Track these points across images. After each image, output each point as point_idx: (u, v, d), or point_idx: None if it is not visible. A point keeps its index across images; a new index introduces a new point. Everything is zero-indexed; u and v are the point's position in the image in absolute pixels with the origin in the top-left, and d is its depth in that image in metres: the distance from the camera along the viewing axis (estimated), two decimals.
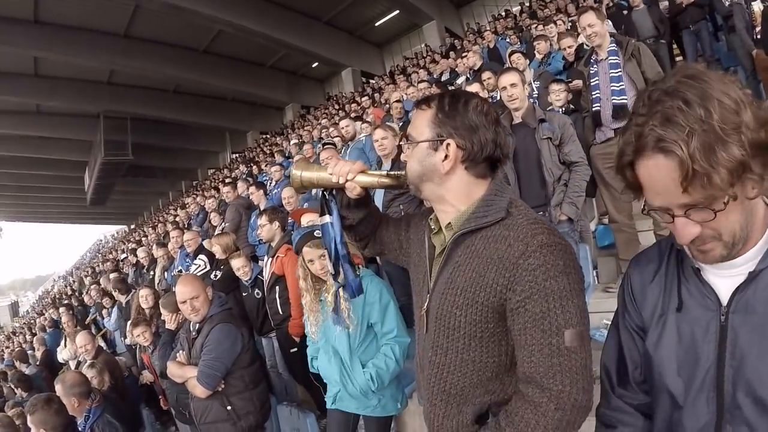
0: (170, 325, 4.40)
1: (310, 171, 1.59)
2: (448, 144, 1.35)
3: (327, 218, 1.60)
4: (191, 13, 16.60)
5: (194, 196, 18.54)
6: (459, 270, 1.33)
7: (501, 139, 1.38)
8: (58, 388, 3.73)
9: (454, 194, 1.40)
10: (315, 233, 2.94)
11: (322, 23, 20.77)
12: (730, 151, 0.84)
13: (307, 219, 4.11)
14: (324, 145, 8.44)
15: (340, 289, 2.74)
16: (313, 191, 5.89)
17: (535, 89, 6.62)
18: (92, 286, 11.92)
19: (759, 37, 6.19)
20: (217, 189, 13.76)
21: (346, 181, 1.52)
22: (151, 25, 18.83)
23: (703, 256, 0.99)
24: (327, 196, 1.62)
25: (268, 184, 8.99)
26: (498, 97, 4.68)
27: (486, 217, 1.32)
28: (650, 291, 1.14)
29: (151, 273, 8.68)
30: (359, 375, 2.80)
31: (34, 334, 12.61)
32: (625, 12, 8.55)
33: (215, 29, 19.45)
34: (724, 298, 1.00)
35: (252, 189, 7.71)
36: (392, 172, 1.56)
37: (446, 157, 1.36)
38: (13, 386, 7.76)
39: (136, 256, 11.18)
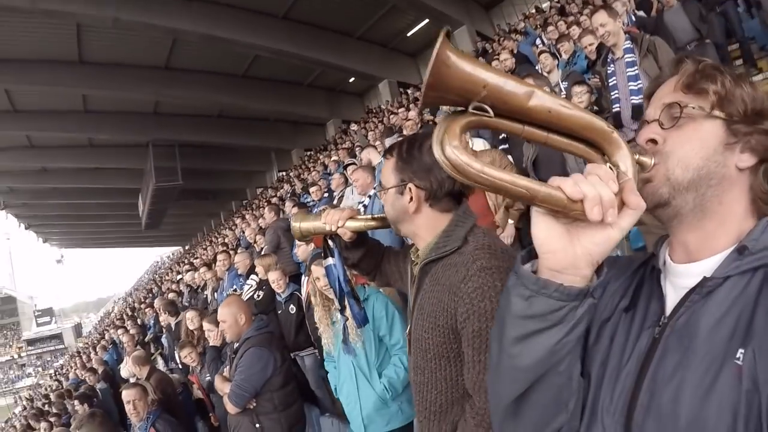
0: (215, 342, 4.63)
1: (307, 221, 1.76)
2: (410, 187, 1.48)
3: (330, 260, 1.77)
4: (227, 41, 17.13)
5: (242, 216, 19.02)
6: (426, 296, 1.45)
7: None
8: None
9: (424, 229, 1.52)
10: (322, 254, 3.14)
11: (354, 39, 20.98)
12: (729, 85, 0.85)
13: None
14: (347, 166, 8.54)
15: (347, 322, 2.92)
16: None
17: (563, 89, 6.58)
18: (147, 309, 12.45)
19: None
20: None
21: (338, 227, 1.66)
22: (191, 55, 19.51)
23: (645, 186, 0.85)
24: (328, 241, 1.77)
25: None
26: None
27: (445, 246, 1.43)
28: (608, 291, 0.97)
29: (205, 293, 9.04)
30: (377, 385, 2.99)
31: (97, 353, 13.19)
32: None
33: (252, 54, 19.92)
34: (670, 308, 0.84)
35: (295, 209, 7.96)
36: (377, 215, 1.70)
37: (411, 198, 1.49)
38: (77, 401, 8.14)
39: (192, 276, 11.63)
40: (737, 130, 0.83)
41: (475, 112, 0.71)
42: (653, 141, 0.88)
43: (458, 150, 0.69)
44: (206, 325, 4.74)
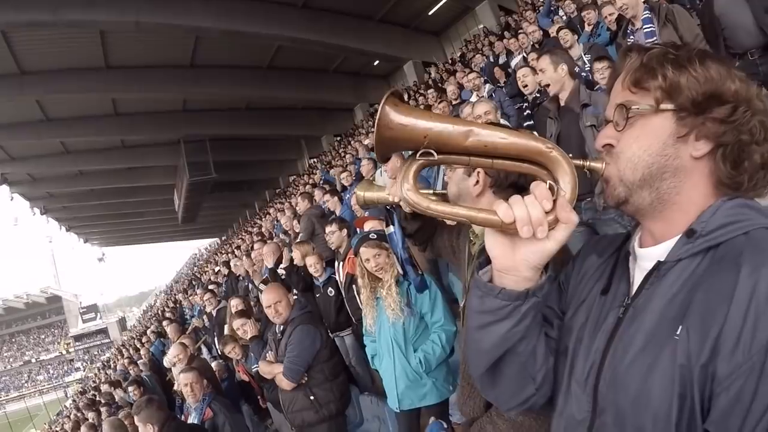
0: (250, 334, 4.91)
1: (371, 191, 1.90)
2: (479, 171, 1.60)
3: (390, 228, 1.95)
4: (249, 35, 17.35)
5: (279, 203, 19.25)
6: None
7: None
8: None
9: None
10: (370, 236, 3.26)
11: (376, 21, 20.84)
12: (672, 75, 0.86)
13: (369, 225, 4.39)
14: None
15: (410, 286, 3.08)
16: None
17: (587, 62, 6.49)
18: (191, 297, 12.88)
19: None
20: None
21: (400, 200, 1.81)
22: (214, 51, 19.76)
23: (606, 187, 0.94)
24: (389, 210, 1.93)
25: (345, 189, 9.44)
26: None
27: None
28: (587, 274, 1.07)
29: (246, 282, 9.30)
30: (412, 359, 3.11)
31: (143, 345, 13.70)
32: None
33: (274, 45, 20.06)
34: (634, 290, 0.93)
35: (327, 197, 8.13)
36: (438, 191, 1.85)
37: (477, 182, 1.61)
38: (131, 390, 8.53)
39: (228, 267, 11.98)
40: (688, 122, 0.86)
41: (421, 159, 0.87)
42: (609, 145, 0.93)
43: (410, 192, 0.89)
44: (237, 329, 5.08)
